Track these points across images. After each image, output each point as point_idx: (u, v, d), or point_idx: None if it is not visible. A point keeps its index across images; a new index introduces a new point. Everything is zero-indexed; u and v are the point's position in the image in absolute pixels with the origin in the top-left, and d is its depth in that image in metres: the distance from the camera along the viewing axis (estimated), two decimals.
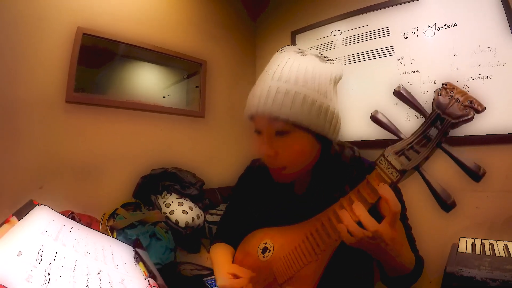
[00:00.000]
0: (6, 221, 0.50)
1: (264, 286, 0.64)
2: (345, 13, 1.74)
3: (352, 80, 1.70)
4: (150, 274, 0.71)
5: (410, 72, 1.47)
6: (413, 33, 1.47)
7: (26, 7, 1.25)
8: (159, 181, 1.55)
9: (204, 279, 1.17)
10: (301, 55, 0.62)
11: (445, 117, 0.45)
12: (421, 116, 0.50)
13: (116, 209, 1.25)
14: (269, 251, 0.65)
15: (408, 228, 0.68)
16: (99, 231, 1.09)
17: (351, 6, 1.71)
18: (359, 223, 0.46)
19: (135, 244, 0.89)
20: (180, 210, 1.42)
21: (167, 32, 1.79)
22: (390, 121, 0.52)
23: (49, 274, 0.46)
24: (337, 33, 1.78)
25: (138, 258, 0.79)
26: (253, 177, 0.81)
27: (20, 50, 1.23)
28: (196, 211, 1.50)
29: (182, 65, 2.00)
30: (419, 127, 0.49)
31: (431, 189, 0.45)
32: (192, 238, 1.40)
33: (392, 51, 1.54)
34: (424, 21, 1.45)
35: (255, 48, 2.39)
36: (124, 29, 1.57)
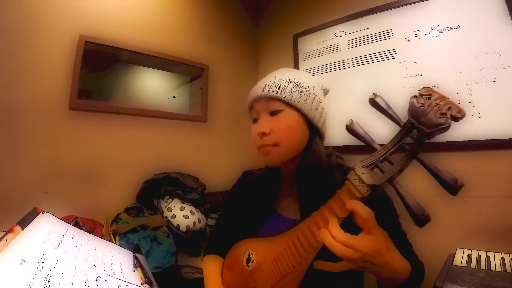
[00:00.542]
0: (10, 230, 0.55)
1: None
2: (347, 15, 1.75)
3: (353, 84, 1.72)
4: (147, 280, 0.76)
5: (412, 75, 1.48)
6: (416, 35, 1.48)
7: (28, 16, 1.31)
8: (161, 186, 1.60)
9: None
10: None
11: (420, 126, 0.44)
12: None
13: (119, 214, 1.31)
14: (252, 261, 0.68)
15: (402, 235, 0.70)
16: (101, 237, 1.15)
17: (353, 9, 1.72)
18: None
19: (134, 249, 0.94)
20: (182, 214, 1.47)
21: (169, 37, 1.84)
22: (365, 132, 0.52)
23: (49, 281, 0.51)
24: (342, 33, 1.79)
25: (137, 264, 0.83)
26: (243, 188, 0.89)
27: (24, 58, 1.30)
28: (198, 215, 1.54)
29: (185, 70, 2.05)
30: (393, 138, 0.48)
31: (404, 202, 0.45)
32: (193, 242, 1.44)
33: (395, 54, 1.55)
34: (426, 23, 1.45)
35: (258, 52, 2.43)
36: (127, 36, 1.63)
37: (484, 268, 0.96)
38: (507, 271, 0.93)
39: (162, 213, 1.51)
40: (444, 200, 1.21)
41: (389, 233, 0.51)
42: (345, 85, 1.74)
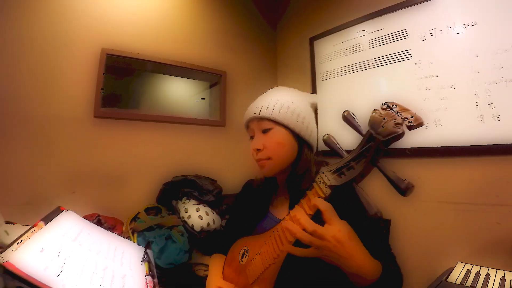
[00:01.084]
0: (35, 225, 0.68)
1: (242, 287, 0.76)
2: (362, 16, 1.75)
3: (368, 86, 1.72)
4: (151, 273, 0.87)
5: (428, 76, 1.45)
6: (431, 34, 1.45)
7: (55, 34, 1.50)
8: (179, 188, 1.72)
9: None
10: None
11: (377, 136, 0.49)
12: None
13: (138, 213, 1.45)
14: (245, 256, 0.77)
15: (380, 238, 0.75)
16: (121, 234, 1.29)
17: (368, 9, 1.72)
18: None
19: (146, 246, 1.07)
20: (197, 215, 1.58)
21: (188, 47, 1.98)
22: (338, 145, 0.60)
23: (62, 267, 0.63)
24: (363, 33, 1.79)
25: (146, 259, 0.95)
26: (245, 195, 1.03)
27: (53, 73, 1.49)
28: (213, 216, 1.64)
29: (204, 77, 2.18)
30: (357, 146, 0.55)
31: (361, 201, 0.51)
32: (207, 241, 1.55)
33: (410, 55, 1.53)
34: (442, 21, 1.42)
35: (276, 56, 2.48)
36: (147, 47, 1.78)
37: (479, 287, 0.92)
38: None
39: (179, 213, 1.63)
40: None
41: (366, 231, 0.60)
42: (361, 87, 1.75)
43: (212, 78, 2.20)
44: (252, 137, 0.87)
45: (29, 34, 1.43)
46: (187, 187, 1.73)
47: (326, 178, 0.57)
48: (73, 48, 1.54)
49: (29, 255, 0.59)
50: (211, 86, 2.26)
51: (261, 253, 0.71)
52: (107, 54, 1.61)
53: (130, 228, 1.33)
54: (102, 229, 1.00)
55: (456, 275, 1.00)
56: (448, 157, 1.38)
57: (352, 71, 1.82)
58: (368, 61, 1.73)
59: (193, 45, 2.01)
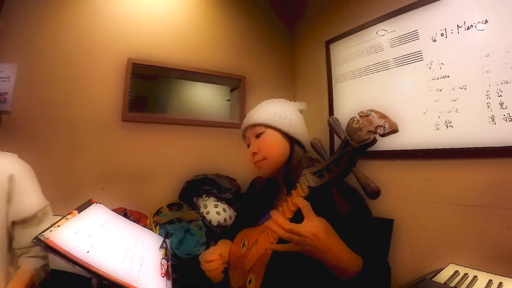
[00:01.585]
0: (70, 213, 0.85)
1: (241, 273, 0.87)
2: (374, 19, 1.79)
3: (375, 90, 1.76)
4: (166, 257, 1.01)
5: (439, 77, 1.47)
6: (442, 34, 1.46)
7: (85, 46, 1.73)
8: (200, 186, 1.88)
9: None
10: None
11: (351, 142, 0.54)
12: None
13: (161, 208, 1.62)
14: (245, 246, 0.88)
15: (367, 234, 0.81)
16: (145, 226, 1.46)
17: (381, 11, 1.76)
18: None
19: (165, 236, 1.22)
20: (215, 211, 1.72)
21: (208, 53, 2.14)
22: (323, 148, 0.69)
23: (91, 246, 0.78)
24: (383, 32, 1.81)
25: (164, 246, 1.09)
26: (250, 194, 1.17)
27: (83, 81, 1.71)
28: (229, 212, 1.78)
29: (225, 81, 2.32)
30: (336, 151, 0.62)
31: (359, 181, 0.55)
32: (224, 235, 1.68)
33: (421, 56, 1.55)
34: (452, 20, 1.43)
35: (294, 59, 2.55)
36: (168, 55, 1.96)
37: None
38: None
39: (199, 209, 1.78)
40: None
41: (344, 228, 0.67)
42: (376, 89, 1.80)
43: (232, 83, 2.34)
44: (249, 145, 0.98)
45: (62, 46, 1.67)
46: (207, 185, 1.88)
47: (308, 180, 0.66)
48: (102, 59, 1.77)
49: (64, 235, 0.75)
50: (231, 90, 2.40)
51: (256, 243, 0.82)
52: (133, 63, 1.81)
53: (153, 221, 1.49)
54: (128, 220, 1.16)
55: (443, 275, 1.02)
56: (458, 159, 1.40)
57: (367, 73, 1.86)
58: (382, 63, 1.77)
59: (213, 52, 2.17)
